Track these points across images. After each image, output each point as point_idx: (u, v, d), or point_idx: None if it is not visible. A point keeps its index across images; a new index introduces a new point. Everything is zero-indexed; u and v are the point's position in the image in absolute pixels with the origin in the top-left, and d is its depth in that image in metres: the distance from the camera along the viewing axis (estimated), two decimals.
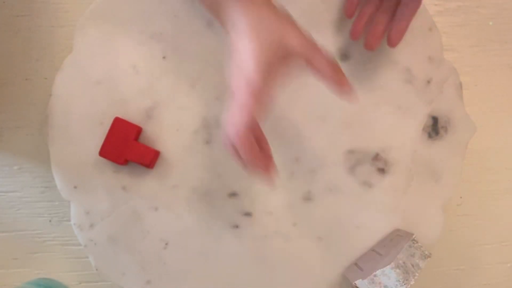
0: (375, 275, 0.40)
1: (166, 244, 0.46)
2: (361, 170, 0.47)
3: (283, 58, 0.36)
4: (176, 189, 0.46)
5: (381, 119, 0.47)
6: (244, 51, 0.35)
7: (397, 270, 0.41)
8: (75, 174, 0.46)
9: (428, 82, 0.47)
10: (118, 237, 0.46)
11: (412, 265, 0.41)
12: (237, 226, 0.46)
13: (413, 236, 0.43)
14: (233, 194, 0.46)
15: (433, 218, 0.47)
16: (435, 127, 0.47)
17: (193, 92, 0.46)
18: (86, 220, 0.46)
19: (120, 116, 0.45)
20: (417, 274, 0.41)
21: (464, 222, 0.53)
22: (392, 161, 0.47)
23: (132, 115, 0.46)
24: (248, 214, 0.46)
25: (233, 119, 0.35)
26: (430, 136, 0.47)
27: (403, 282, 0.40)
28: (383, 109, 0.47)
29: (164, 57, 0.46)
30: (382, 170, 0.47)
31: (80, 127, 0.46)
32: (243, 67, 0.35)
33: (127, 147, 0.44)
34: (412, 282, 0.41)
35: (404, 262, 0.41)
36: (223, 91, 0.46)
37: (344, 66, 0.47)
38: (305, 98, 0.47)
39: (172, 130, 0.46)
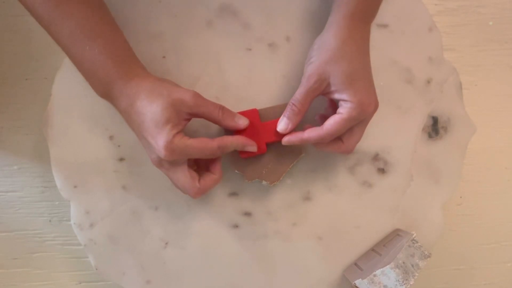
0: (374, 275, 0.40)
1: (166, 244, 0.46)
2: (361, 170, 0.47)
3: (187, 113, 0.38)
4: (176, 189, 0.46)
5: (381, 119, 0.47)
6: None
7: (397, 270, 0.41)
8: (75, 174, 0.46)
9: (428, 82, 0.47)
10: (118, 237, 0.46)
11: (412, 265, 0.41)
12: (237, 226, 0.46)
13: (413, 236, 0.43)
14: (233, 194, 0.46)
15: (433, 218, 0.47)
16: (435, 127, 0.47)
17: None
18: (86, 220, 0.46)
19: None
20: (416, 274, 0.41)
21: (464, 222, 0.53)
22: (392, 161, 0.47)
23: None
24: (248, 214, 0.46)
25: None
26: (430, 136, 0.47)
27: (402, 282, 0.40)
28: (383, 109, 0.47)
29: (164, 57, 0.46)
30: (382, 170, 0.47)
31: (80, 127, 0.46)
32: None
33: (259, 131, 0.41)
34: (411, 282, 0.41)
35: (403, 262, 0.41)
36: (223, 91, 0.46)
37: None
38: None
39: None
